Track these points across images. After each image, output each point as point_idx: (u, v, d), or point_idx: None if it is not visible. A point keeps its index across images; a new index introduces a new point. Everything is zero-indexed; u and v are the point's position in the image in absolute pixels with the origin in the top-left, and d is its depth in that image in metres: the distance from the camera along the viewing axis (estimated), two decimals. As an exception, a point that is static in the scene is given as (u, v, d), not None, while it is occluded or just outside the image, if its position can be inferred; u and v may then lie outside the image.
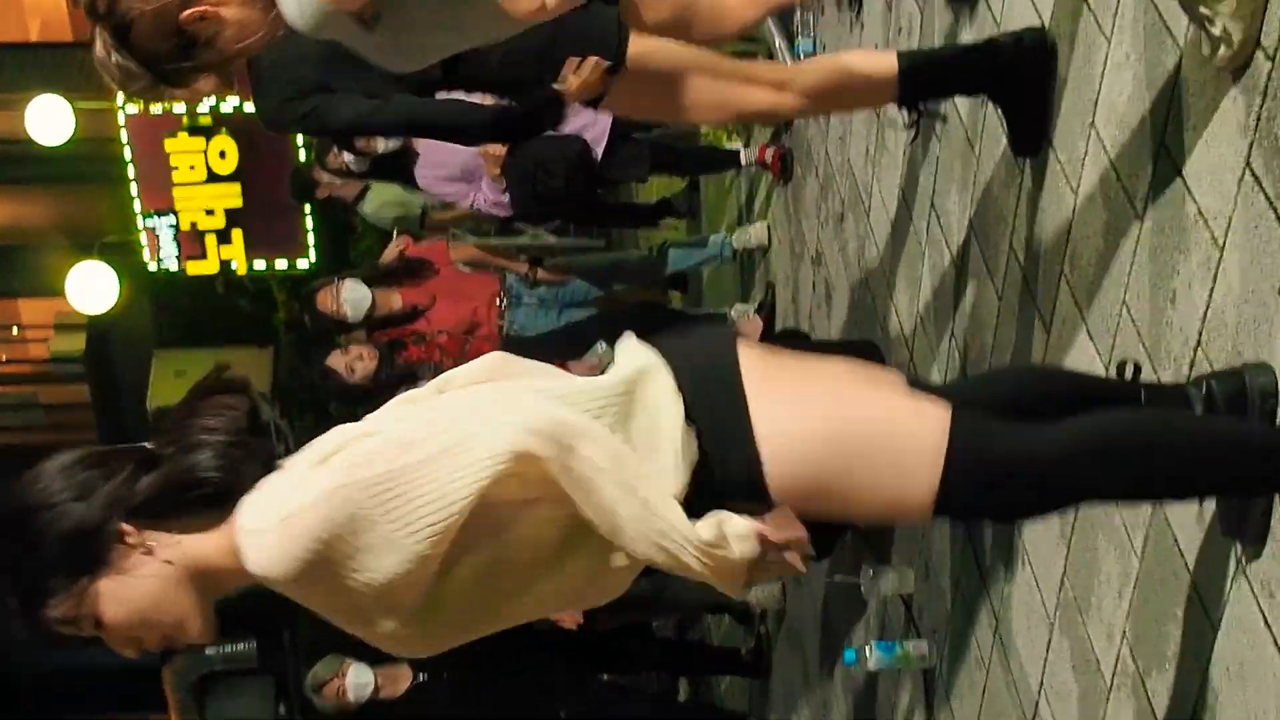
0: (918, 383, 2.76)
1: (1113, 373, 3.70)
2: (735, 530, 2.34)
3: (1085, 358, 3.93)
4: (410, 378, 7.04)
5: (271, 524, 2.25)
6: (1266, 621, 2.99)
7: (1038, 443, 2.55)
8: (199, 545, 2.33)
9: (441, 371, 7.19)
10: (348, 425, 2.44)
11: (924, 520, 2.69)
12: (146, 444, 2.39)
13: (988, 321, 4.66)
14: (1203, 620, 3.26)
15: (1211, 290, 3.26)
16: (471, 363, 2.67)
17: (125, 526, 2.28)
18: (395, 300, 7.32)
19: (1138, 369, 3.31)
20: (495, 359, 2.67)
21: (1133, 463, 2.58)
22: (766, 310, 7.54)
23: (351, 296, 7.22)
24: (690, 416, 2.44)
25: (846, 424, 2.49)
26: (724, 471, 2.44)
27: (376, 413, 2.49)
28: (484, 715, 7.36)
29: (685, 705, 9.09)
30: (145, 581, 2.30)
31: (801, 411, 2.48)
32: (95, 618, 2.32)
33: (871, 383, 2.63)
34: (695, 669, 9.12)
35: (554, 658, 7.34)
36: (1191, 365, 3.34)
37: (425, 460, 2.29)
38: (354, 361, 7.10)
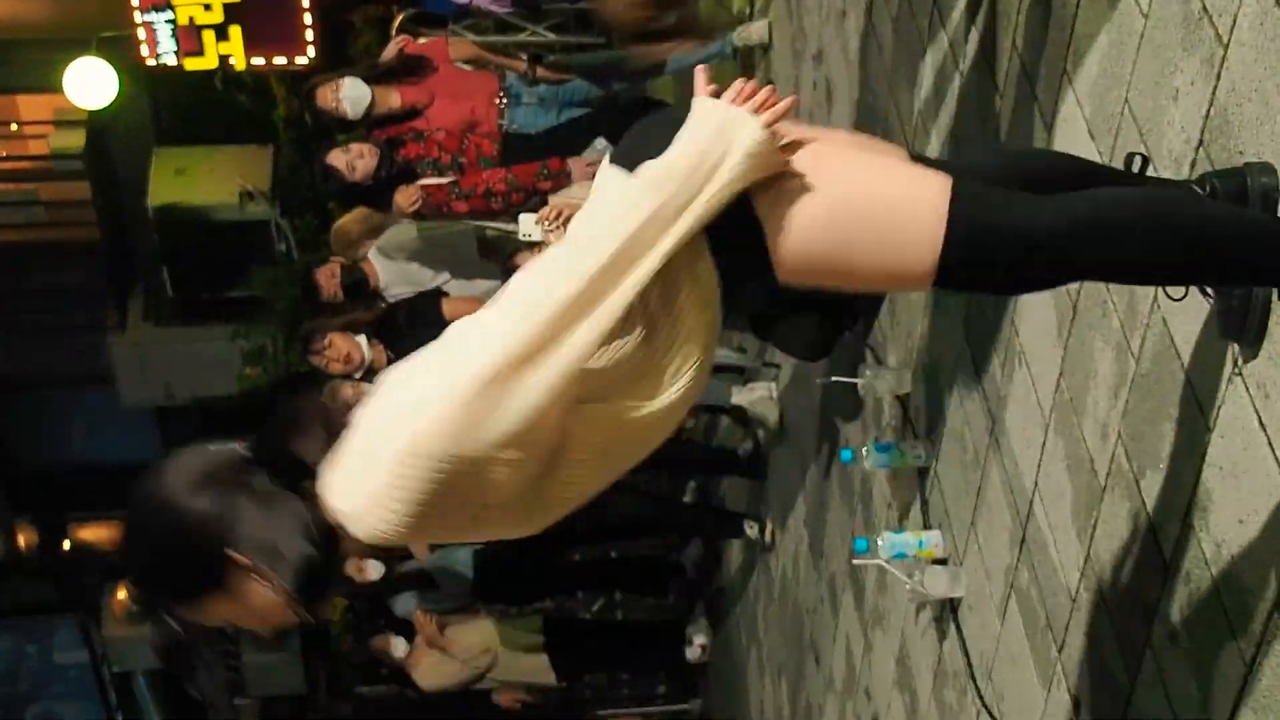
0: (920, 157, 2.74)
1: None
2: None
3: (1085, 155, 3.91)
4: (409, 174, 7.04)
5: (359, 506, 2.30)
6: (1261, 422, 3.02)
7: (1042, 211, 2.51)
8: None
9: (439, 168, 7.21)
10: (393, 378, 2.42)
11: (924, 288, 2.66)
12: (239, 448, 2.46)
13: (989, 120, 4.64)
14: (1198, 420, 3.29)
15: (1215, 88, 3.24)
16: None
17: (236, 557, 2.34)
18: (394, 98, 7.29)
19: (1145, 161, 3.29)
20: None
21: (1137, 238, 2.53)
22: (767, 109, 7.49)
23: (351, 94, 7.18)
24: None
25: (848, 196, 2.47)
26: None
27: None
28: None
29: (687, 505, 9.21)
30: (254, 598, 2.39)
31: (805, 189, 2.47)
32: (215, 619, 2.43)
33: (873, 150, 2.62)
34: (692, 469, 9.23)
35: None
36: (1193, 165, 3.33)
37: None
38: (354, 159, 7.10)
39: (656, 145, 2.44)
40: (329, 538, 2.35)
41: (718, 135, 2.41)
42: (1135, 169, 3.24)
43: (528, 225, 6.41)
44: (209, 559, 2.33)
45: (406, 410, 2.28)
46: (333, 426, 2.38)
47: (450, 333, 2.39)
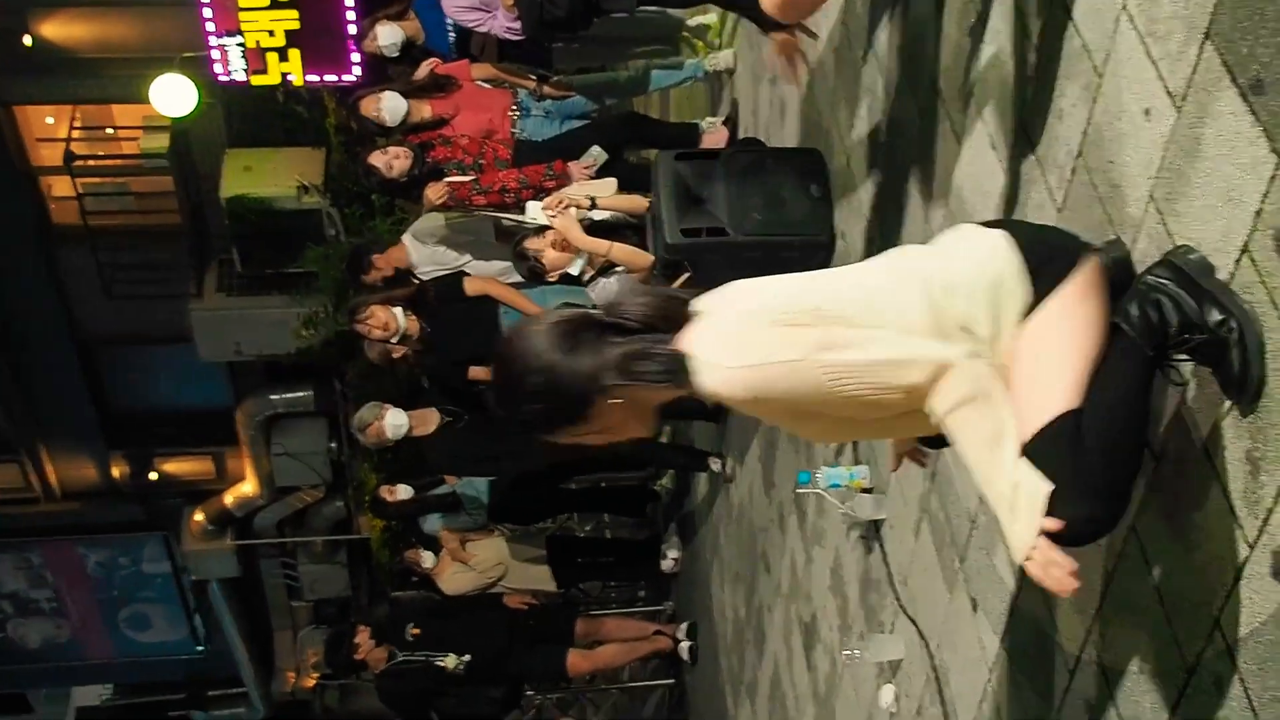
0: None
1: (1012, 182, 3.74)
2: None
3: (989, 165, 3.97)
4: (438, 173, 7.06)
5: (734, 363, 2.52)
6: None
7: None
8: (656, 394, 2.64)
9: (463, 168, 7.20)
10: (784, 287, 2.63)
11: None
12: (595, 312, 2.68)
13: (909, 133, 4.68)
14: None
15: (1091, 109, 3.29)
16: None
17: (614, 385, 2.58)
18: (426, 109, 7.29)
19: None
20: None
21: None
22: (731, 122, 7.53)
23: (390, 105, 7.18)
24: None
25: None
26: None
27: (817, 285, 2.64)
28: (500, 449, 7.53)
29: (663, 444, 9.24)
30: (611, 420, 2.64)
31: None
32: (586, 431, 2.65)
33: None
34: (667, 414, 9.26)
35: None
36: (1073, 171, 3.39)
37: (875, 363, 2.49)
38: (392, 160, 7.10)
39: None
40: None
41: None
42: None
43: (534, 210, 6.44)
44: (582, 401, 2.58)
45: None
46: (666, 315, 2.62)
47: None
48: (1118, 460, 2.50)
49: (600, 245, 6.18)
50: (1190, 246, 2.76)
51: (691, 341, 2.57)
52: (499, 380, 2.66)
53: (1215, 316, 2.59)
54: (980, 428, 2.47)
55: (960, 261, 2.60)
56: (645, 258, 6.01)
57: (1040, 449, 2.46)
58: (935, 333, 2.52)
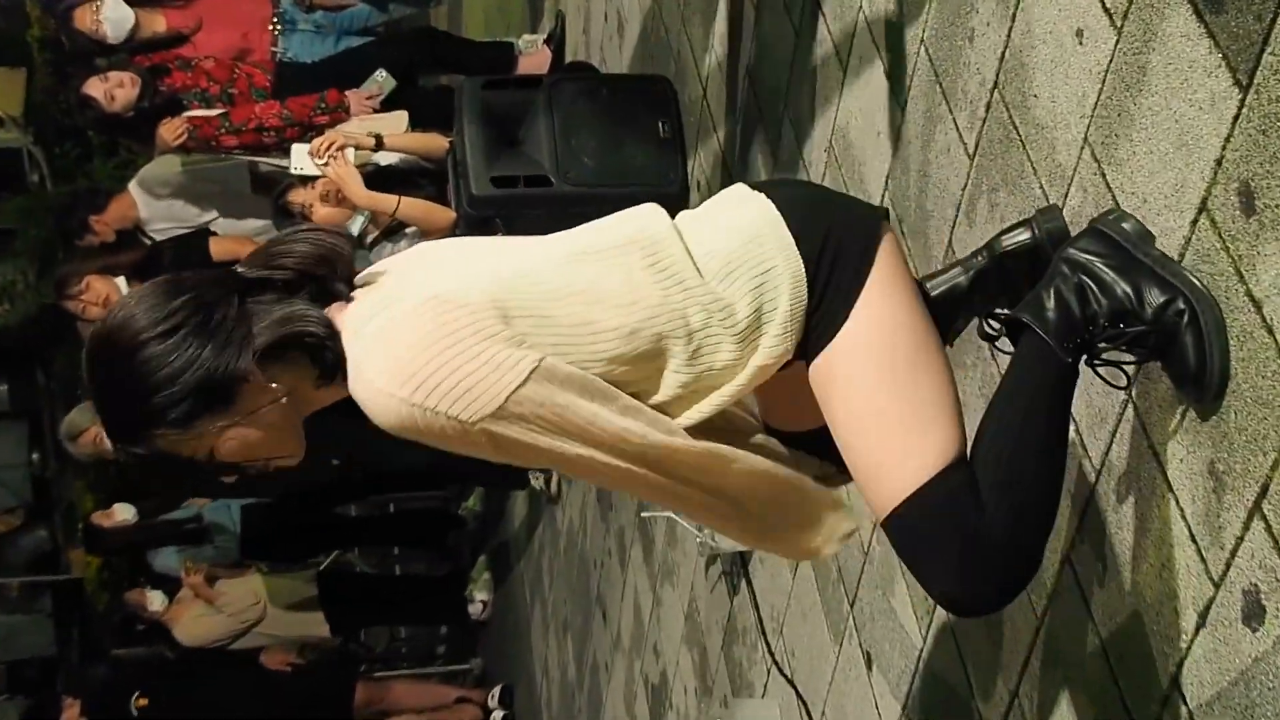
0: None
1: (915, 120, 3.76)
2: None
3: (881, 97, 4.00)
4: (175, 105, 6.93)
5: (393, 387, 2.33)
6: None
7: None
8: (310, 385, 2.47)
9: (208, 99, 7.09)
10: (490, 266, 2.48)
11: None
12: (237, 268, 2.50)
13: (783, 58, 4.70)
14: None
15: (1010, 30, 3.32)
16: None
17: (253, 369, 2.40)
18: (159, 22, 7.15)
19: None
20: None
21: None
22: (556, 41, 7.51)
23: (112, 15, 7.02)
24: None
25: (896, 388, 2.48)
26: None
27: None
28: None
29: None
30: (264, 420, 2.45)
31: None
32: (210, 451, 2.46)
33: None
34: None
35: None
36: (988, 107, 3.42)
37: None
38: (114, 89, 6.94)
39: None
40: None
41: None
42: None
43: (300, 158, 6.33)
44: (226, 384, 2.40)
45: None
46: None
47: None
48: (1030, 519, 2.48)
49: (386, 200, 6.11)
50: (1121, 211, 2.78)
51: (349, 323, 2.44)
52: (102, 394, 2.49)
53: (1157, 298, 2.59)
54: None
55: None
56: (444, 214, 5.96)
57: (912, 526, 2.44)
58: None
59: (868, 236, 2.52)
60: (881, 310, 2.48)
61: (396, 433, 2.36)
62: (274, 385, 2.42)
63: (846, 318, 2.47)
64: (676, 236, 2.54)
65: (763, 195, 2.58)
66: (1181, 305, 2.56)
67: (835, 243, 2.49)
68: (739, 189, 2.67)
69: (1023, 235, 2.94)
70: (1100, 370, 2.66)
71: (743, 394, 2.53)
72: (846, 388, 2.48)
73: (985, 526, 2.41)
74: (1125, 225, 2.67)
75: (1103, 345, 2.58)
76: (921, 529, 2.44)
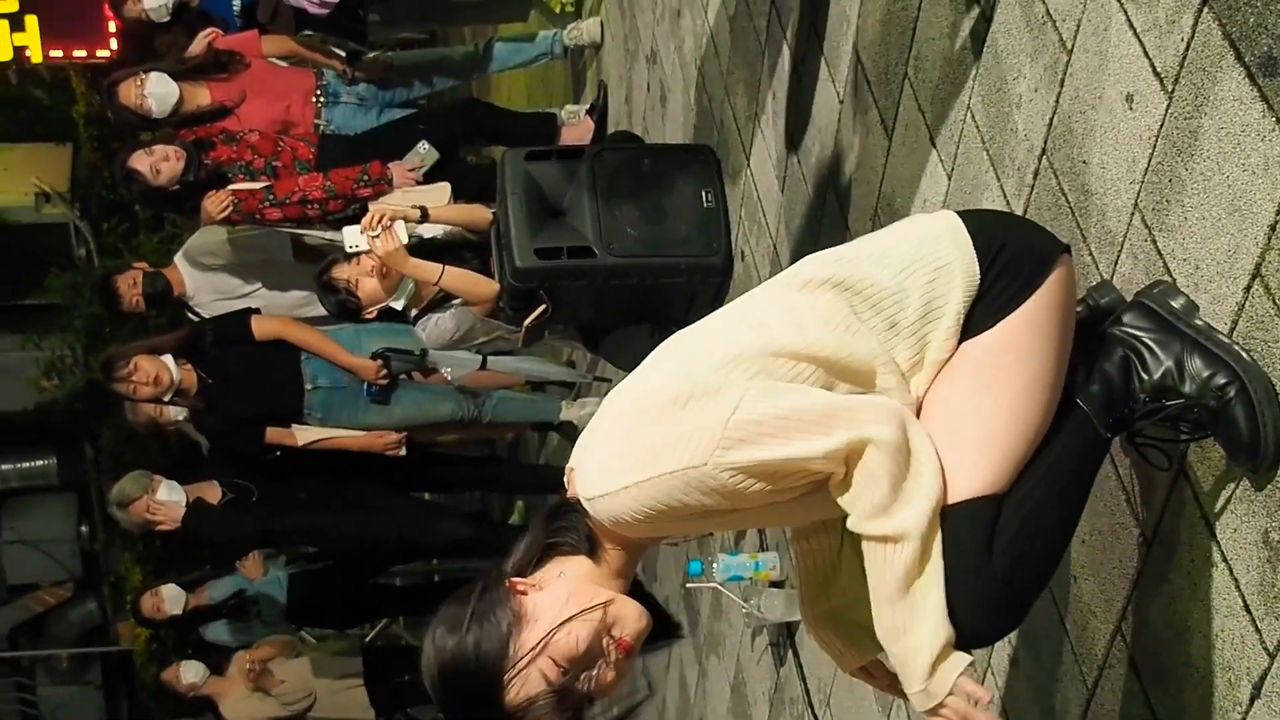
0: None
1: (958, 188, 3.74)
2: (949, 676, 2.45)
3: (928, 165, 3.97)
4: (220, 178, 6.94)
5: (611, 484, 2.42)
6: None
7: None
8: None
9: (252, 172, 7.11)
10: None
11: None
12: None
13: (828, 126, 4.68)
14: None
15: (1058, 95, 3.30)
16: None
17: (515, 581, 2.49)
18: (203, 95, 7.17)
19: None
20: None
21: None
22: (599, 112, 7.52)
23: (157, 90, 7.06)
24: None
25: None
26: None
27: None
28: (297, 524, 7.44)
29: (514, 526, 9.21)
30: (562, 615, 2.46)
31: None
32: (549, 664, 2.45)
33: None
34: (519, 489, 9.31)
35: (372, 477, 7.45)
36: (1036, 174, 3.39)
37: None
38: (159, 162, 6.96)
39: None
40: None
41: None
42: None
43: (353, 238, 6.32)
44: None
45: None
46: None
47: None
48: (1024, 575, 2.48)
49: (430, 269, 6.10)
50: (1165, 283, 2.75)
51: (577, 469, 2.54)
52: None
53: (1201, 370, 2.58)
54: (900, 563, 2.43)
55: (888, 245, 2.57)
56: (488, 286, 5.93)
57: (945, 529, 2.45)
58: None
59: (1045, 257, 2.52)
60: (1034, 327, 2.49)
61: (635, 528, 2.44)
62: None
63: (1002, 320, 2.47)
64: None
65: (948, 210, 2.61)
66: (1227, 377, 2.54)
67: (1011, 253, 2.50)
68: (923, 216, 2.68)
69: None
70: (1145, 452, 2.64)
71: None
72: (968, 376, 2.49)
73: (990, 560, 2.42)
74: (1169, 298, 2.66)
75: (1142, 423, 2.57)
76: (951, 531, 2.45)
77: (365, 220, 6.11)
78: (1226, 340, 2.61)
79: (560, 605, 2.43)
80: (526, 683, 2.40)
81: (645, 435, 2.39)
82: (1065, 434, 2.52)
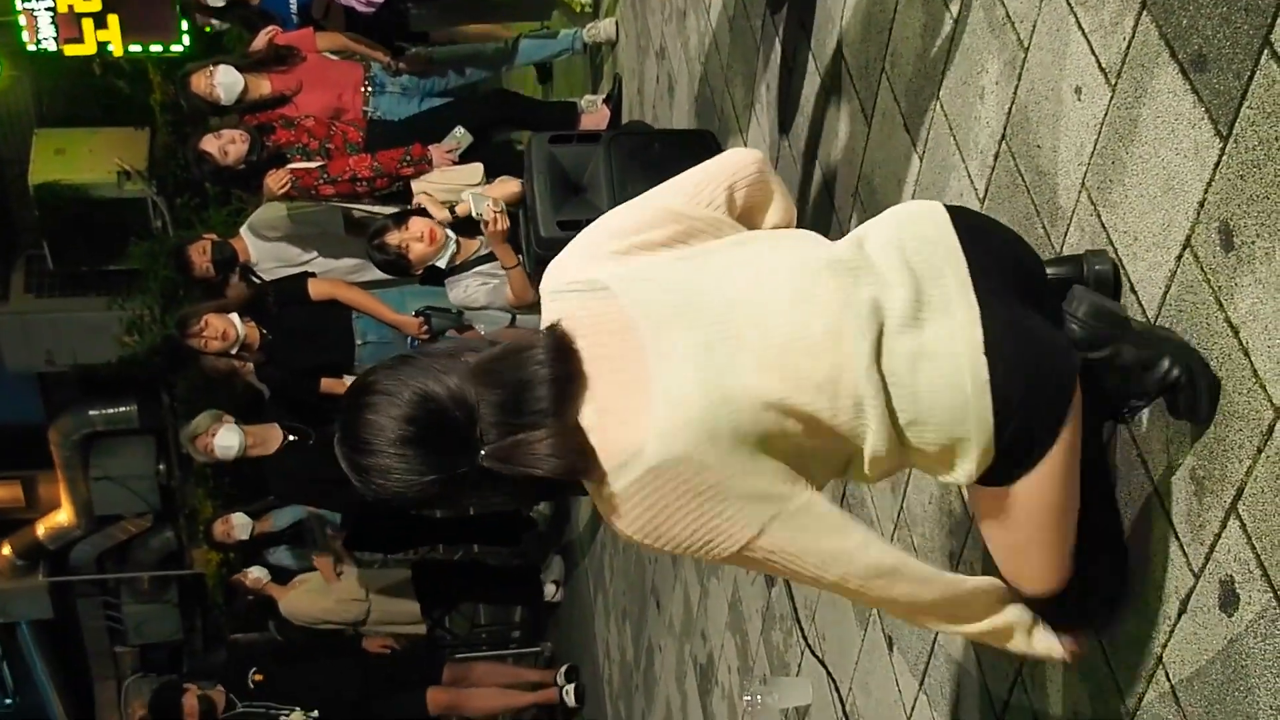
0: None
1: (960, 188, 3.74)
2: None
3: (902, 148, 3.98)
4: (279, 158, 6.96)
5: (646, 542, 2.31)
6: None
7: None
8: None
9: (308, 153, 7.12)
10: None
11: None
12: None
13: (814, 114, 4.69)
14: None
15: (1016, 88, 3.31)
16: None
17: None
18: (265, 85, 7.19)
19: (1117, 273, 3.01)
20: None
21: None
22: (614, 101, 7.52)
23: (224, 81, 7.07)
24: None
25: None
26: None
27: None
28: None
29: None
30: None
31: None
32: None
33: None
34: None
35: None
36: (996, 157, 3.40)
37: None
38: (226, 145, 6.98)
39: None
40: None
41: None
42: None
43: (479, 205, 6.25)
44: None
45: None
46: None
47: None
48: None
49: (512, 256, 6.21)
50: (1103, 270, 2.82)
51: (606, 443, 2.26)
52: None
53: (1149, 362, 2.56)
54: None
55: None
56: (532, 294, 6.03)
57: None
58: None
59: (1060, 417, 2.32)
60: (1058, 470, 2.34)
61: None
62: None
63: (1033, 468, 2.32)
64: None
65: (978, 327, 2.27)
66: (1177, 372, 2.55)
67: (1032, 401, 2.28)
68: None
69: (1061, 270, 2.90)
70: (1126, 418, 2.75)
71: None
72: (1023, 517, 2.40)
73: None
74: (1106, 305, 2.58)
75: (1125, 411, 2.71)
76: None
77: (489, 205, 6.14)
78: (1167, 339, 2.61)
79: None
80: None
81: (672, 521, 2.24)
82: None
